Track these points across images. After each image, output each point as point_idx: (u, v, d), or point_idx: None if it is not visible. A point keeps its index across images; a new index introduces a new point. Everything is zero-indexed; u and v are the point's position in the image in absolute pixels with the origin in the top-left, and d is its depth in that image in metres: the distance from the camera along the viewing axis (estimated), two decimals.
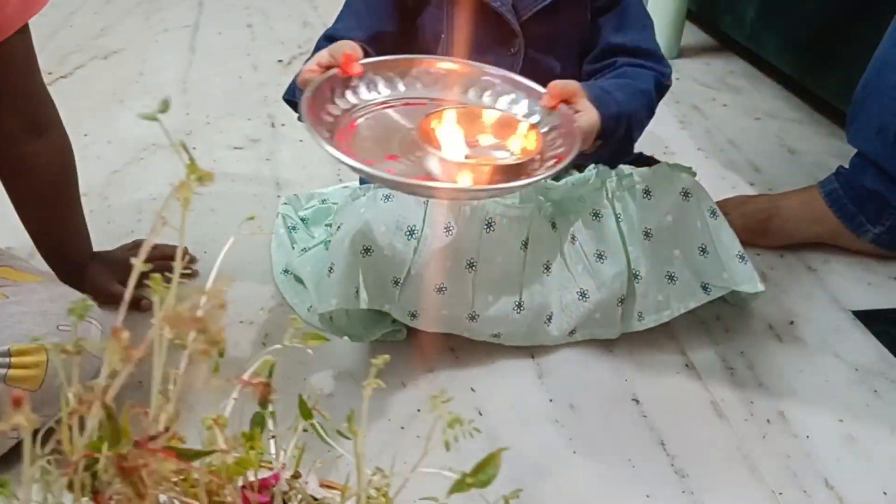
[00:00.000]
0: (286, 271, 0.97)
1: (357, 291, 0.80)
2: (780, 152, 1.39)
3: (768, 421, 0.82)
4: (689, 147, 1.39)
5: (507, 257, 0.85)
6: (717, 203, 1.13)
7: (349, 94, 0.75)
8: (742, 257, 0.89)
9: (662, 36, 1.72)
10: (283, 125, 1.38)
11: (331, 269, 0.82)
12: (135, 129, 1.32)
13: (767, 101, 1.59)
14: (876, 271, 1.07)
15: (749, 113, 1.54)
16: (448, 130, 0.70)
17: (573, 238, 0.88)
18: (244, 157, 1.28)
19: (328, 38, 0.86)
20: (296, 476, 0.49)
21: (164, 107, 0.39)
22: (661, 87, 0.90)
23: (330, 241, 0.88)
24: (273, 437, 0.49)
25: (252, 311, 0.94)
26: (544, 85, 0.78)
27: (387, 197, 0.83)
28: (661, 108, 1.52)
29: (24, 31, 0.79)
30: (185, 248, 1.00)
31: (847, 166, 1.08)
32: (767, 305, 0.99)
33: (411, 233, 0.81)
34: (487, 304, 0.85)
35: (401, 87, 0.77)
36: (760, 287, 0.88)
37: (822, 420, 0.82)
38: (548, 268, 0.87)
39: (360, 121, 0.74)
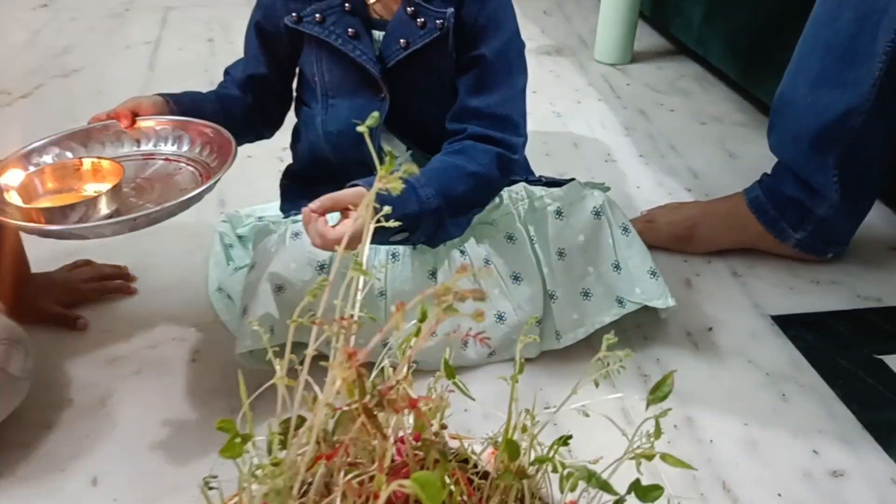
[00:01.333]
0: (220, 289, 1.00)
1: (272, 329, 0.82)
2: (720, 157, 1.42)
3: (675, 426, 0.85)
4: (631, 153, 1.42)
5: (416, 286, 0.87)
6: (649, 211, 1.17)
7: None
8: (653, 273, 0.93)
9: (613, 41, 1.77)
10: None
11: (244, 310, 0.85)
12: None
13: (716, 105, 1.62)
14: (798, 275, 1.10)
15: (695, 117, 1.57)
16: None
17: (487, 261, 0.91)
18: None
19: (226, 73, 0.98)
20: (443, 427, 0.52)
21: None
22: (505, 163, 0.88)
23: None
24: None
25: (183, 329, 0.97)
26: (417, 129, 0.89)
27: (296, 234, 0.86)
28: (607, 114, 1.57)
29: None
30: (125, 266, 1.03)
31: (770, 173, 1.11)
32: (687, 312, 1.02)
33: (321, 267, 0.84)
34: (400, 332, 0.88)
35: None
36: (671, 302, 0.92)
37: (728, 425, 0.86)
38: None
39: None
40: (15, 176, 0.81)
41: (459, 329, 0.87)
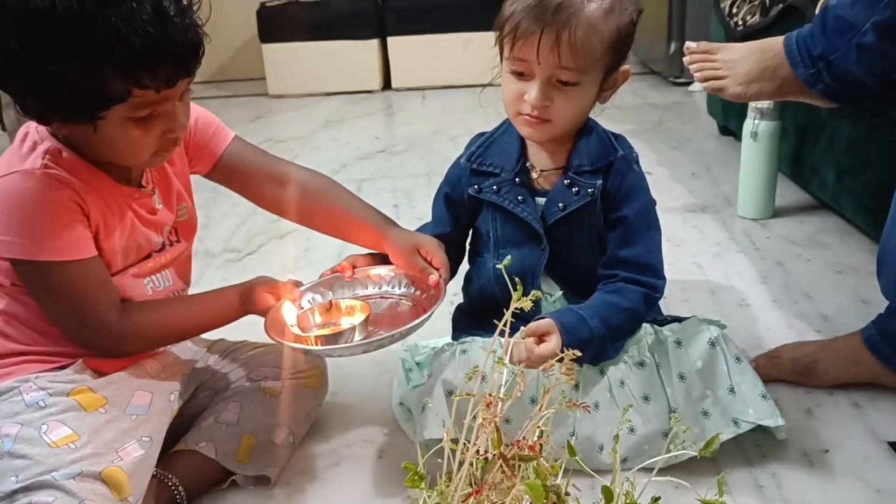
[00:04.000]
0: (401, 403, 1.24)
1: (444, 423, 1.03)
2: (853, 303, 1.53)
3: None
4: (765, 300, 1.56)
5: (562, 396, 1.06)
6: (773, 349, 1.31)
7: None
8: (764, 396, 1.07)
9: (754, 198, 1.93)
10: None
11: (423, 407, 1.08)
12: None
13: (852, 255, 1.73)
14: None
15: (831, 267, 1.69)
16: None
17: (622, 383, 1.09)
18: None
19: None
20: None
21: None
22: (650, 300, 1.12)
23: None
24: None
25: (373, 433, 1.21)
26: (572, 273, 1.14)
27: (463, 351, 1.10)
28: (745, 265, 1.72)
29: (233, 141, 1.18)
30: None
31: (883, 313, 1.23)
32: (805, 436, 1.14)
33: (483, 378, 1.06)
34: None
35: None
36: (780, 421, 1.05)
37: None
38: (597, 406, 1.08)
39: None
40: (291, 313, 1.09)
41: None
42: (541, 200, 1.13)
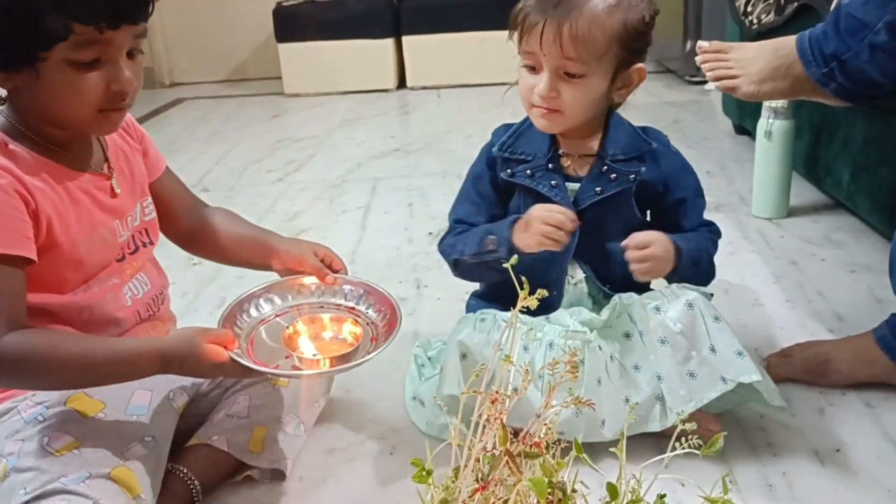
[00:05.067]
0: (414, 397, 1.25)
1: (458, 383, 1.06)
2: (867, 302, 1.52)
3: None
4: (779, 299, 1.56)
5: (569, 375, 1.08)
6: (786, 348, 1.31)
7: (252, 311, 1.08)
8: (740, 353, 1.07)
9: (768, 197, 1.93)
10: (426, 287, 1.70)
11: (441, 369, 1.12)
12: None
13: (867, 255, 1.72)
14: None
15: (845, 266, 1.68)
16: (301, 337, 1.05)
17: (612, 357, 1.11)
18: None
19: (458, 222, 1.23)
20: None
21: None
22: (716, 239, 1.24)
23: None
24: None
25: (385, 430, 1.22)
26: (598, 257, 1.14)
27: (482, 319, 1.12)
28: (759, 265, 1.71)
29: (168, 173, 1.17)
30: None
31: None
32: (816, 435, 1.14)
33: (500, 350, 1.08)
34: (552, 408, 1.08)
35: (279, 301, 1.10)
36: (756, 377, 1.05)
37: None
38: (599, 382, 1.09)
39: (257, 333, 1.06)
40: (308, 347, 1.05)
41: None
42: (573, 186, 1.16)
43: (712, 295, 1.16)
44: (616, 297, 1.13)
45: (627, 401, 1.09)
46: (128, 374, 0.94)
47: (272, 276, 1.17)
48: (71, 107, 0.92)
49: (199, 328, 0.94)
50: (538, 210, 1.11)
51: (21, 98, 0.94)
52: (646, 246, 1.11)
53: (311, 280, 1.13)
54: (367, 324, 1.08)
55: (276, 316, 1.09)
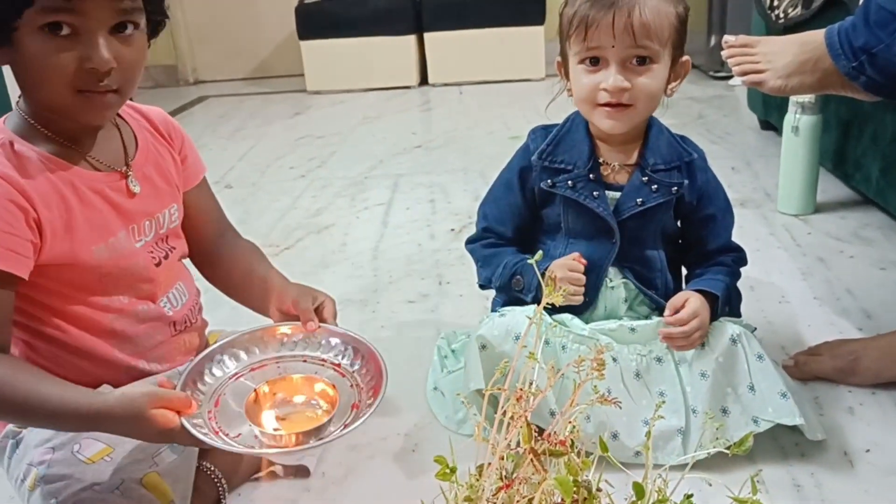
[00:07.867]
0: (435, 388, 1.25)
1: (482, 377, 1.06)
2: None
3: None
4: (806, 296, 1.54)
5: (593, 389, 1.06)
6: (814, 346, 1.29)
7: (224, 364, 0.98)
8: (784, 394, 1.05)
9: (795, 193, 1.91)
10: (448, 283, 1.69)
11: (465, 363, 1.11)
12: (333, 289, 1.68)
13: None
14: None
15: (875, 263, 1.66)
16: (265, 407, 0.94)
17: (637, 375, 1.10)
18: (414, 309, 1.60)
19: (486, 230, 1.22)
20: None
21: None
22: (741, 264, 1.22)
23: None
24: None
25: (407, 427, 1.21)
26: (637, 264, 1.16)
27: (502, 315, 1.12)
28: (786, 261, 1.69)
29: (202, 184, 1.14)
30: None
31: None
32: (846, 435, 1.12)
33: (517, 338, 1.07)
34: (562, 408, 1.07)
35: (245, 357, 1.00)
36: (799, 420, 1.03)
37: None
38: (609, 392, 1.06)
39: (224, 394, 0.95)
40: (269, 420, 0.94)
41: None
42: (613, 195, 1.15)
43: (755, 329, 1.15)
44: (657, 320, 1.12)
45: (646, 423, 1.07)
46: (58, 427, 0.90)
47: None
48: (46, 84, 0.86)
49: (150, 389, 0.86)
50: (559, 271, 1.11)
51: (18, 81, 0.89)
52: (693, 317, 1.08)
53: (290, 328, 1.04)
54: (352, 385, 0.98)
55: (251, 370, 1.00)
